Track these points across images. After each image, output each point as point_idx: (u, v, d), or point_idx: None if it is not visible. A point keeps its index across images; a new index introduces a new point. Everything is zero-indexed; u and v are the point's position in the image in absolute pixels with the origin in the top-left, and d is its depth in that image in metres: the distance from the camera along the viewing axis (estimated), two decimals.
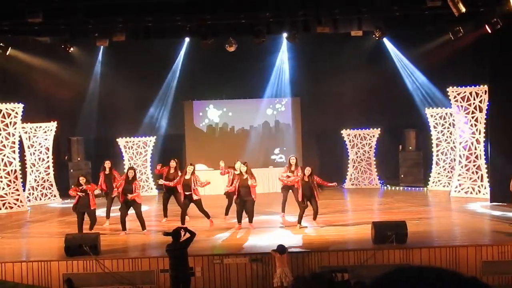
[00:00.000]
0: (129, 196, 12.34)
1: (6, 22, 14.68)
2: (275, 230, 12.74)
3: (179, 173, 13.71)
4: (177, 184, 13.12)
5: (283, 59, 20.14)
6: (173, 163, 14.08)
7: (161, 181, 13.81)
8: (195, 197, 12.77)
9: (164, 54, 19.42)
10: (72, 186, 12.97)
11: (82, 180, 12.50)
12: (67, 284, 9.61)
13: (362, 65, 19.76)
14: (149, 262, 10.43)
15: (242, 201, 12.68)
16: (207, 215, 12.99)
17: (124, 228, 12.62)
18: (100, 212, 13.96)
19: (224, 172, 14.08)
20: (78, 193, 12.36)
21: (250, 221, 12.79)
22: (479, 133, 16.45)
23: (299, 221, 12.78)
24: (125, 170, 13.68)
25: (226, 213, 13.95)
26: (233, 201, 13.44)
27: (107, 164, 13.92)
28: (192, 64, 19.82)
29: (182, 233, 9.44)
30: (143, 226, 12.60)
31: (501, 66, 15.12)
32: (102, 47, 18.20)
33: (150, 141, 19.56)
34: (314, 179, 12.69)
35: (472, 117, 16.55)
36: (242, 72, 19.27)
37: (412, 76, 19.61)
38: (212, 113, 19.95)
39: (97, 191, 13.35)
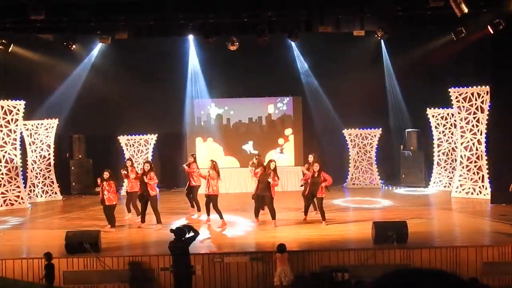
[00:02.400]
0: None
1: (9, 19, 14.68)
2: (276, 230, 12.74)
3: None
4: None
5: (285, 58, 20.10)
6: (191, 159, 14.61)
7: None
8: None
9: (166, 52, 19.40)
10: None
11: (105, 174, 12.66)
12: (46, 257, 9.81)
13: (364, 65, 19.75)
14: (149, 260, 10.44)
15: (260, 196, 12.96)
16: (221, 215, 13.10)
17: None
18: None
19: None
20: (97, 188, 12.81)
21: (273, 217, 12.95)
22: (481, 134, 16.44)
23: (306, 213, 13.49)
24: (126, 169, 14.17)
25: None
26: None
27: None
28: (194, 62, 19.83)
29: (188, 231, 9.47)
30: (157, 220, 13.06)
31: (503, 66, 15.11)
32: (104, 44, 18.21)
33: (152, 139, 19.56)
34: (322, 175, 13.02)
35: (474, 118, 16.54)
36: (244, 71, 19.27)
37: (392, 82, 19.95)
38: (213, 111, 19.96)
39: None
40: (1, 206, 16.56)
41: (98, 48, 19.26)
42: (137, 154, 19.31)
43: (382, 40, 18.84)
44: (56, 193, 18.49)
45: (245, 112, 19.99)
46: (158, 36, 16.37)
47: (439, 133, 18.61)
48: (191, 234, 9.30)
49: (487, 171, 16.23)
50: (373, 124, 19.78)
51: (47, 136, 18.27)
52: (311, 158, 14.34)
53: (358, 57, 19.46)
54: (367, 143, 19.69)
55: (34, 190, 18.08)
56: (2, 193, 16.73)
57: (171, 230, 9.45)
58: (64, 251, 10.62)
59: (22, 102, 16.99)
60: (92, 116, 19.76)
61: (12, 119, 16.89)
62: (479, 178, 16.50)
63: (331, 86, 19.71)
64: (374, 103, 19.97)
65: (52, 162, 18.44)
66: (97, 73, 19.82)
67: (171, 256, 9.44)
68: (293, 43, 18.95)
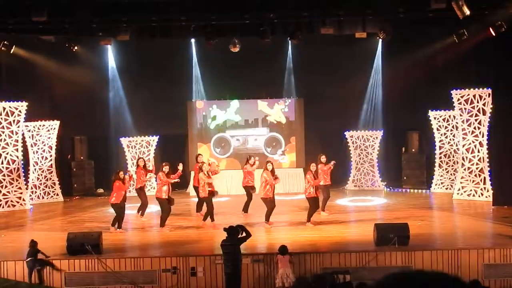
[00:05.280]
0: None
1: (11, 21, 14.70)
2: (277, 231, 12.74)
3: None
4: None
5: (287, 60, 20.14)
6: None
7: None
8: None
9: (168, 54, 19.42)
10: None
11: (121, 174, 13.14)
12: (31, 245, 10.06)
13: (366, 67, 19.76)
14: (151, 261, 10.43)
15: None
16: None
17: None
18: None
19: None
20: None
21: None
22: (482, 136, 16.42)
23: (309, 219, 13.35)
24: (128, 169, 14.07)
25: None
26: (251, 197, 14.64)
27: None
28: (196, 64, 19.86)
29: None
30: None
31: (505, 69, 15.10)
32: (106, 46, 18.22)
33: (153, 140, 19.57)
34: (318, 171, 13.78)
35: (476, 120, 16.52)
36: (246, 73, 19.25)
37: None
38: (215, 113, 19.93)
39: None
40: (3, 207, 16.58)
41: (100, 50, 19.27)
42: (138, 156, 19.27)
43: (383, 42, 18.83)
44: (57, 194, 18.48)
45: (247, 114, 19.95)
46: (160, 38, 16.38)
47: (441, 135, 18.58)
48: (243, 234, 9.49)
49: (489, 173, 16.20)
50: (375, 126, 19.76)
51: (49, 138, 18.27)
52: (323, 158, 14.69)
53: (360, 59, 19.48)
54: (369, 145, 19.66)
55: (35, 192, 18.08)
56: (4, 194, 16.73)
57: (225, 229, 9.52)
58: (66, 252, 10.63)
59: (24, 104, 17.00)
60: (94, 117, 19.78)
61: (14, 121, 16.90)
62: (480, 180, 16.47)
63: (332, 87, 19.64)
64: (376, 104, 19.94)
65: (54, 164, 18.43)
66: (99, 75, 19.85)
67: (222, 255, 9.58)
68: (294, 45, 18.93)
